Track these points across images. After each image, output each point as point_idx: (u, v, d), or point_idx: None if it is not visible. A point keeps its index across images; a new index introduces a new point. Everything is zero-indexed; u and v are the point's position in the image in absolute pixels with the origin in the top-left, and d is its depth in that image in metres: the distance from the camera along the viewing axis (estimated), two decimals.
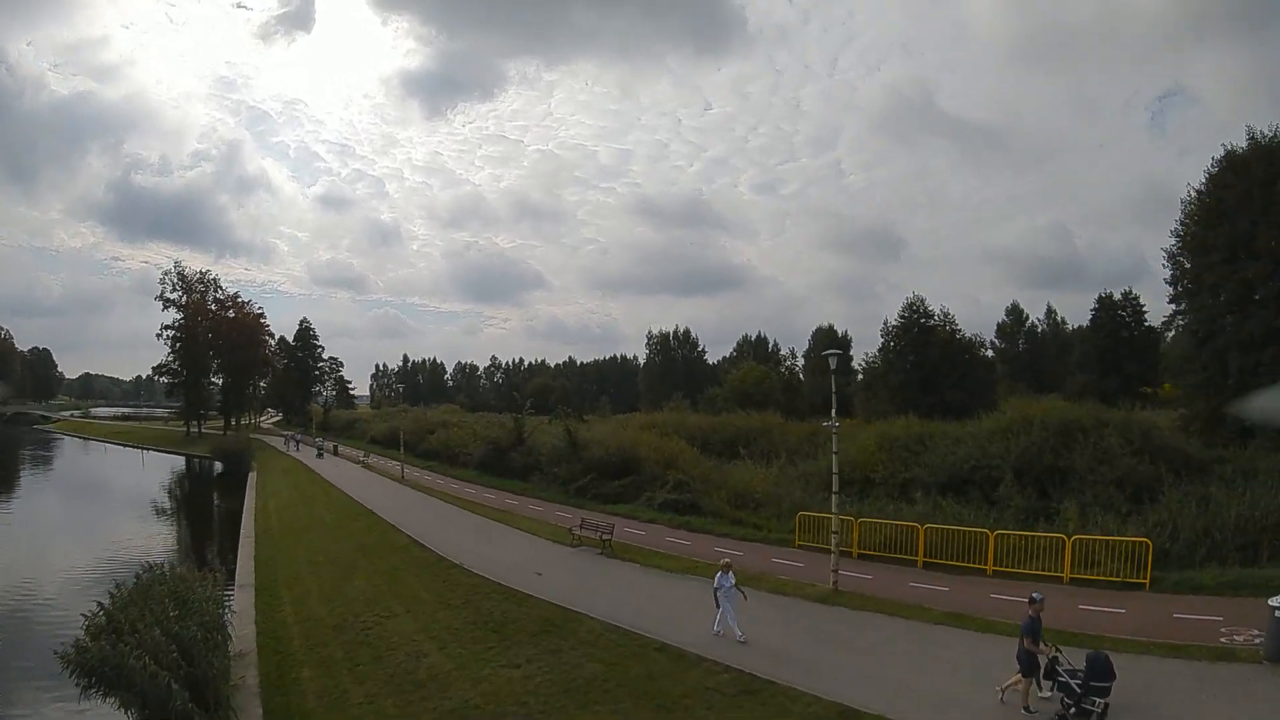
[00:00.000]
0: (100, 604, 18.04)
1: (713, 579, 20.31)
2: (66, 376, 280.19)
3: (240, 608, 26.06)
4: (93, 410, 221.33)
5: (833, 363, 26.03)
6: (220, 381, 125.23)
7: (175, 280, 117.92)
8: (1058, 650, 15.21)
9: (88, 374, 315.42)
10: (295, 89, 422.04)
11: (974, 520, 28.21)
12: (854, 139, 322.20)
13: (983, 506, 30.11)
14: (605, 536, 31.33)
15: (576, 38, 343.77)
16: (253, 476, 69.94)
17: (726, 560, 20.85)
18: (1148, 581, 22.75)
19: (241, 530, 42.99)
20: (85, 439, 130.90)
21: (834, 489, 24.77)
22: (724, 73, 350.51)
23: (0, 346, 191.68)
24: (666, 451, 45.18)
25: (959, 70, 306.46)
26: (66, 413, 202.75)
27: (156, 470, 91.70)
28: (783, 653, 18.82)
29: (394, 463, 66.43)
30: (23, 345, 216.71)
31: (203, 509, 64.55)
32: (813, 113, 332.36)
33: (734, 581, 19.92)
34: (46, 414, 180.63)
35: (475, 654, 19.83)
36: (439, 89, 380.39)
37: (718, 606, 19.88)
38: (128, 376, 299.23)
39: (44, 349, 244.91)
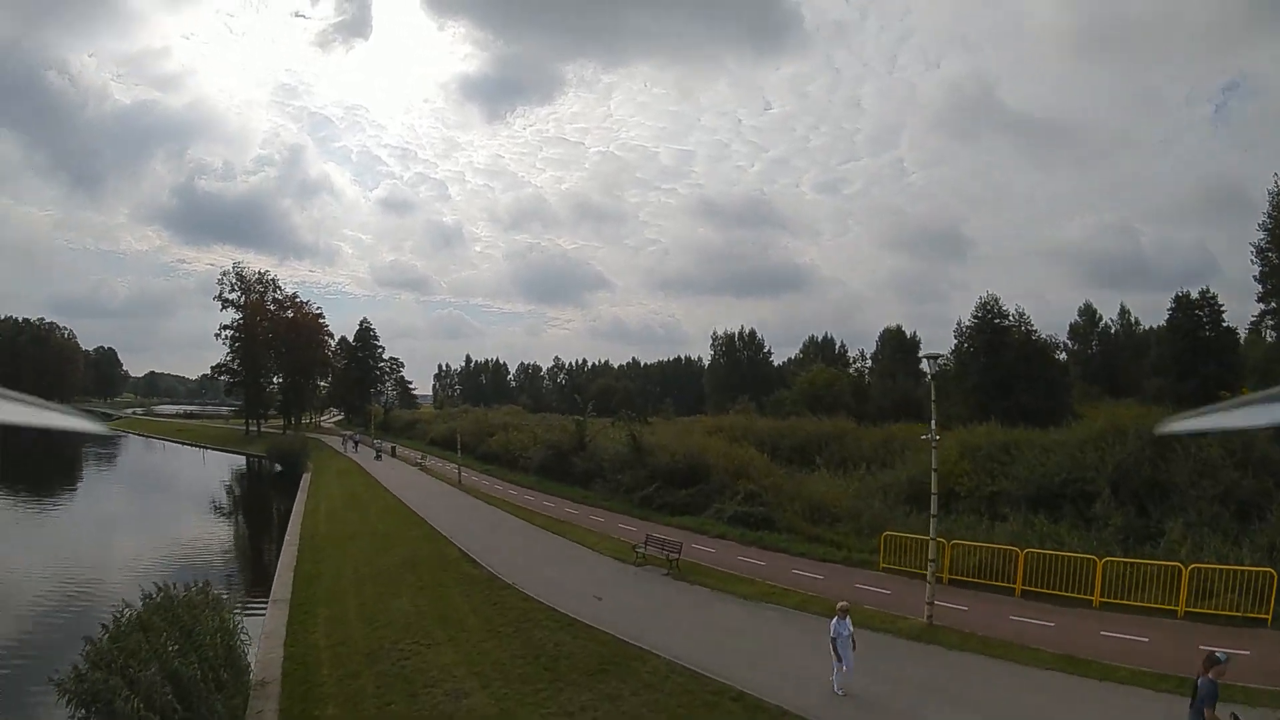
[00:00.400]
0: (104, 625, 16.84)
1: (821, 620, 18.59)
2: (131, 375, 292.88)
3: (270, 628, 24.78)
4: (155, 408, 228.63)
5: (929, 367, 23.40)
6: (280, 380, 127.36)
7: (233, 281, 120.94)
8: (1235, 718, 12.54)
9: (153, 373, 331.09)
10: (356, 94, 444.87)
11: (1072, 542, 26.11)
12: (915, 136, 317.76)
13: (1077, 525, 28.02)
14: (672, 556, 29.23)
15: (632, 40, 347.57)
16: (306, 478, 69.42)
17: (845, 604, 18.09)
18: (1270, 617, 20.26)
19: (286, 537, 42.03)
20: (145, 437, 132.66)
21: (932, 511, 22.61)
22: (782, 72, 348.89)
23: (63, 346, 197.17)
24: (736, 459, 42.97)
25: (1018, 64, 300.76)
26: (129, 410, 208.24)
27: (216, 468, 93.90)
28: (879, 707, 16.67)
29: (452, 465, 65.17)
30: (89, 345, 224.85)
31: (258, 509, 65.00)
32: (873, 111, 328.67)
33: (852, 629, 17.42)
34: (108, 412, 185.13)
35: (522, 696, 17.99)
36: (498, 92, 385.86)
37: (837, 659, 17.26)
38: (193, 375, 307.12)
39: (109, 349, 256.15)
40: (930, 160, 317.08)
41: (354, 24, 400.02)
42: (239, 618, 21.61)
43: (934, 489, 22.63)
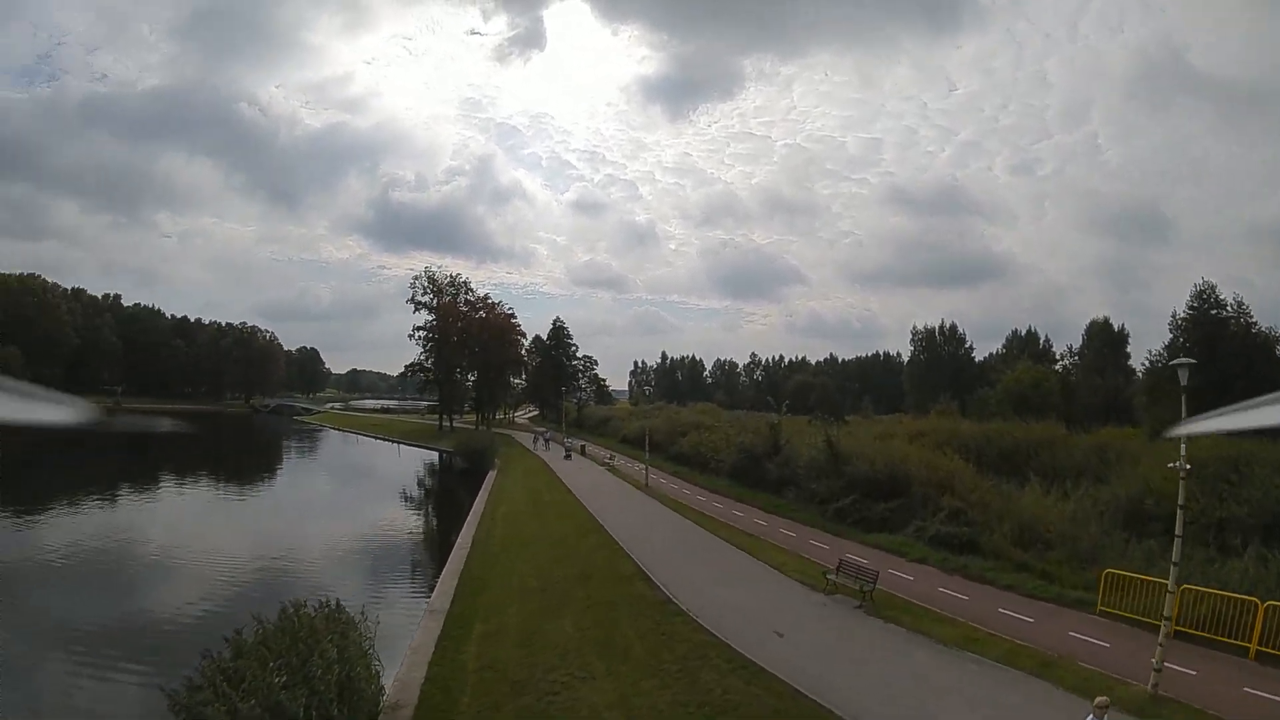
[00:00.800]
0: (226, 639, 16.54)
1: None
2: (334, 372, 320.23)
3: (420, 642, 24.02)
4: (353, 403, 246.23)
5: (1183, 377, 19.45)
6: (474, 378, 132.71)
7: (425, 284, 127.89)
8: None
9: (355, 370, 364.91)
10: (539, 103, 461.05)
11: None
12: (1107, 109, 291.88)
13: None
14: (866, 587, 26.33)
15: (806, 29, 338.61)
16: (491, 477, 70.67)
17: (1104, 699, 14.18)
18: None
19: (458, 540, 42.00)
20: (341, 431, 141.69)
21: (1174, 558, 18.59)
22: (964, 50, 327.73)
23: (265, 347, 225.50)
24: (940, 470, 39.04)
25: (1205, 23, 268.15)
26: (329, 405, 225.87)
27: (409, 463, 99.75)
28: None
29: (642, 466, 64.07)
30: (293, 345, 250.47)
31: (443, 506, 66.47)
32: (1060, 84, 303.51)
33: None
34: (309, 406, 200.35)
35: None
36: (678, 92, 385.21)
37: None
38: (394, 371, 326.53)
39: (312, 348, 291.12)
40: (1123, 134, 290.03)
41: (528, 37, 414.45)
42: (383, 629, 20.87)
43: (1178, 530, 18.49)
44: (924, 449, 43.71)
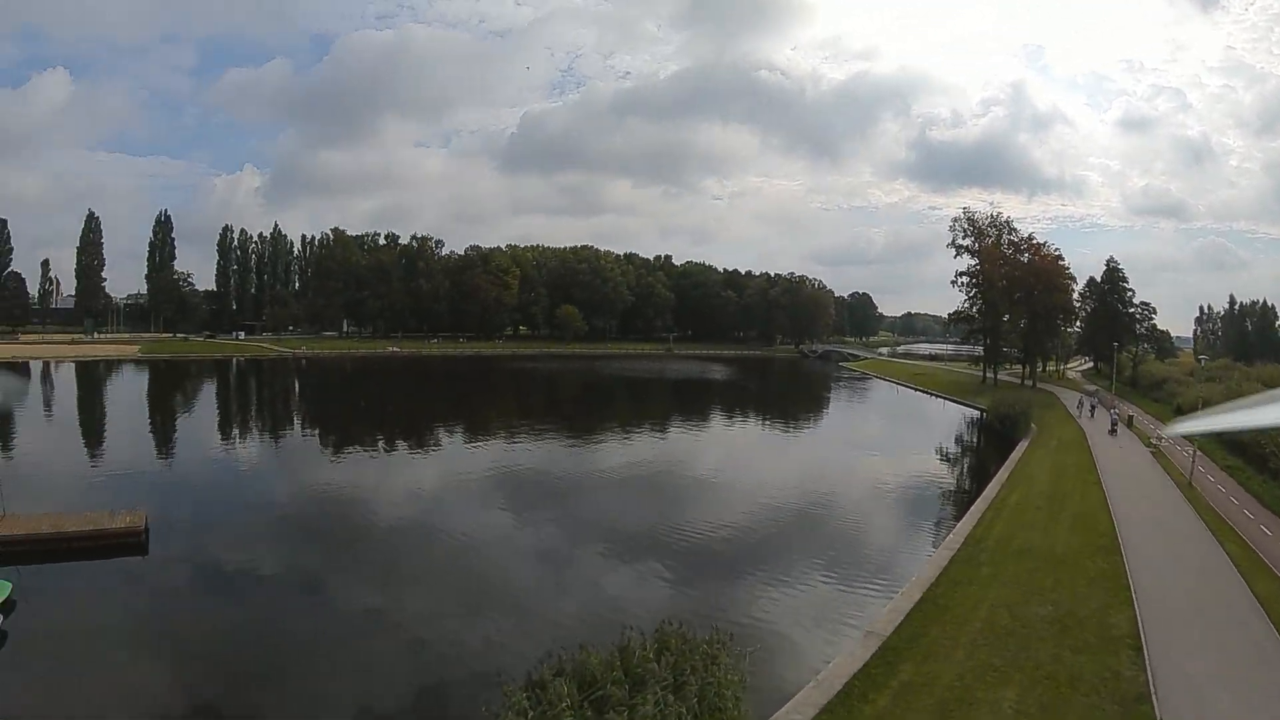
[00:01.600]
0: (582, 645, 17.43)
1: None
2: (887, 315, 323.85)
3: (827, 676, 20.80)
4: (899, 349, 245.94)
5: None
6: (1023, 325, 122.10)
7: (965, 226, 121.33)
8: None
9: (909, 313, 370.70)
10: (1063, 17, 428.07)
11: None
12: None
13: None
14: None
15: None
16: (1020, 448, 62.62)
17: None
18: None
19: (952, 532, 36.77)
20: (886, 380, 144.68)
21: None
22: None
23: (814, 294, 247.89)
24: None
25: None
26: (880, 350, 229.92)
27: (944, 420, 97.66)
28: None
29: (1191, 449, 50.98)
30: (846, 291, 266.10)
31: (959, 482, 59.91)
32: None
33: None
34: (855, 353, 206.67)
35: None
36: None
37: None
38: (945, 314, 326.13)
39: (864, 293, 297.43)
40: None
41: None
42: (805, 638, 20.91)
43: None
44: None
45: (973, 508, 41.78)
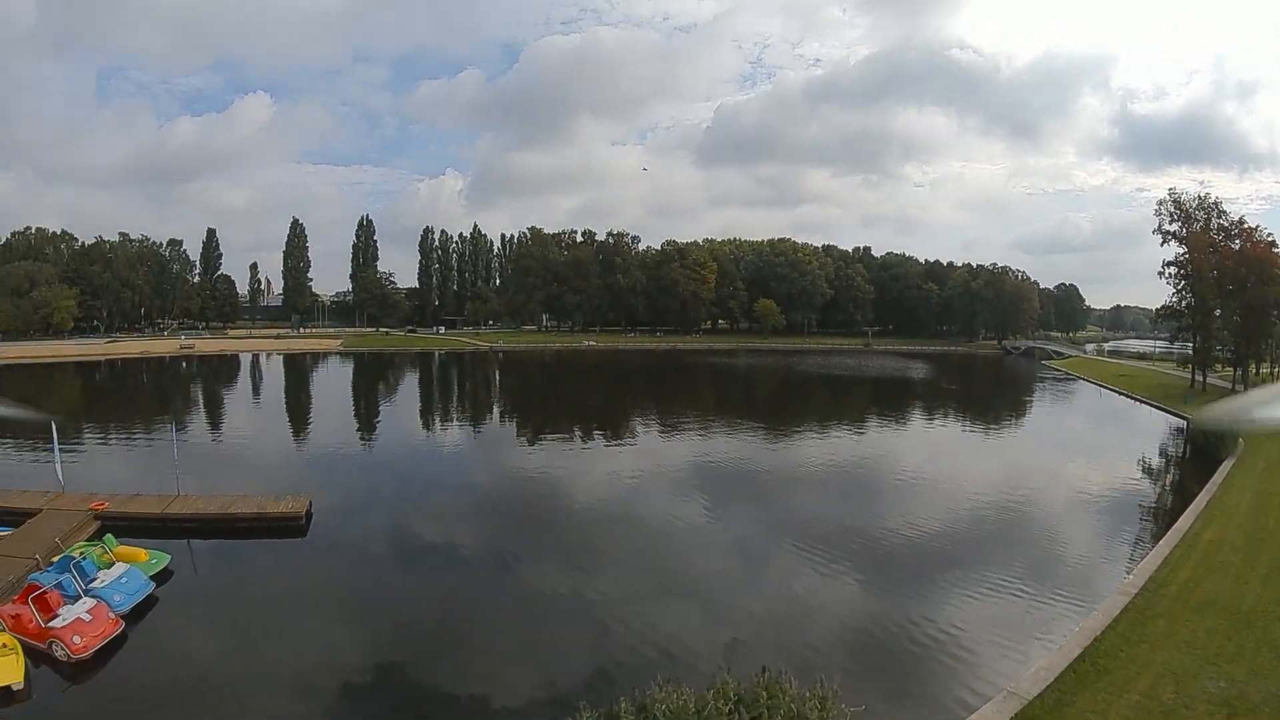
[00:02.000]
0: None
1: None
2: (1095, 308, 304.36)
3: None
4: (1107, 346, 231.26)
5: None
6: (1236, 320, 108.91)
7: (1171, 210, 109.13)
8: None
9: (1119, 305, 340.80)
10: None
11: None
12: None
13: None
14: None
15: None
16: (1224, 468, 54.84)
17: None
18: None
19: (1131, 575, 32.69)
20: (1091, 382, 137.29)
21: None
22: None
23: (1017, 286, 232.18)
24: None
25: None
26: (1087, 346, 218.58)
27: (1147, 431, 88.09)
28: None
29: None
30: (1053, 281, 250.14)
31: (1157, 506, 52.75)
32: None
33: None
34: (1059, 350, 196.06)
35: None
36: None
37: None
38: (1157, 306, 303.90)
39: (1070, 284, 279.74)
40: None
41: None
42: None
43: None
44: None
45: (1160, 542, 37.39)
